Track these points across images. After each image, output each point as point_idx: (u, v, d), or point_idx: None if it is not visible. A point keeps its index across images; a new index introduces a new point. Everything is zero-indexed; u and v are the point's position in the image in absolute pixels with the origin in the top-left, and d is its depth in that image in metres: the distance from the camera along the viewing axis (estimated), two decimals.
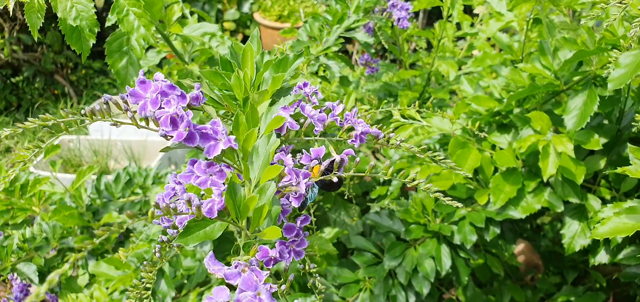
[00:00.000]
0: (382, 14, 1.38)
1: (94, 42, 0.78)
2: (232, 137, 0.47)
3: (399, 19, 1.33)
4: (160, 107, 0.47)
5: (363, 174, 0.54)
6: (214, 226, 0.45)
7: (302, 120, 0.61)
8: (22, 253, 1.08)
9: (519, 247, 1.47)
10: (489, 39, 1.38)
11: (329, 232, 1.17)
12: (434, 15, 3.33)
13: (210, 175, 0.48)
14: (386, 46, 1.38)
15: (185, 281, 0.99)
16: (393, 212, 1.10)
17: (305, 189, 0.49)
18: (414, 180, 0.57)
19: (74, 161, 2.55)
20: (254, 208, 0.43)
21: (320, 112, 0.58)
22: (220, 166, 0.49)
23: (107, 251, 1.17)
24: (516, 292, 1.28)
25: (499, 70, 1.20)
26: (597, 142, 0.91)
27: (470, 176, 1.00)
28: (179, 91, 0.49)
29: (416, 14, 3.00)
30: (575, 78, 0.92)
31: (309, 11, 3.15)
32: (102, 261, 1.01)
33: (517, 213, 1.01)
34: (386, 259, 1.04)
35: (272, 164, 0.49)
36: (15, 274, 1.11)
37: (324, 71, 1.28)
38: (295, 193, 0.49)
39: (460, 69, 1.45)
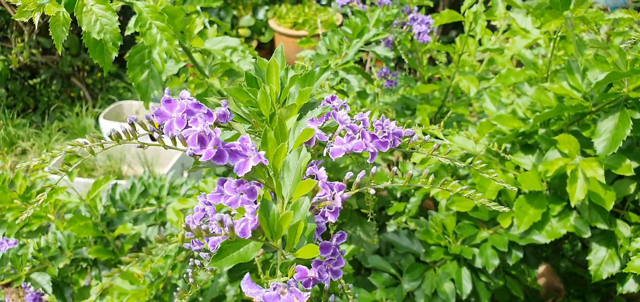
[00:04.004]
0: (402, 28, 1.36)
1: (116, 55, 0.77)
2: (262, 153, 0.46)
3: (419, 33, 1.30)
4: (187, 126, 0.46)
5: (382, 188, 0.52)
6: (247, 246, 0.43)
7: (329, 134, 0.59)
8: (37, 262, 1.07)
9: (540, 269, 1.43)
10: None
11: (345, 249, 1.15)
12: (449, 25, 3.30)
13: (241, 194, 0.47)
14: (405, 59, 1.36)
15: (200, 298, 0.97)
16: (412, 233, 1.07)
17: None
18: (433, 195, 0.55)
19: (88, 165, 2.56)
20: (289, 226, 0.42)
21: (352, 122, 0.56)
22: (250, 184, 0.47)
23: (120, 261, 1.16)
24: None
25: (521, 87, 1.17)
26: (629, 167, 0.87)
27: (494, 198, 0.97)
28: (205, 109, 0.48)
29: None
30: (606, 100, 0.89)
31: (323, 19, 3.14)
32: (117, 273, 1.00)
33: (541, 238, 0.98)
34: (405, 281, 1.01)
35: (304, 178, 0.47)
36: (28, 283, 1.11)
37: (340, 82, 1.26)
38: (331, 207, 0.47)
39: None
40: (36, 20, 0.67)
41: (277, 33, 3.29)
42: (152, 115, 0.47)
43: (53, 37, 0.71)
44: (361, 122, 0.54)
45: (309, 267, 0.45)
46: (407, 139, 0.54)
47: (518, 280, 1.15)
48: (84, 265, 1.17)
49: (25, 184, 1.20)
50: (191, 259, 0.54)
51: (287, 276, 0.43)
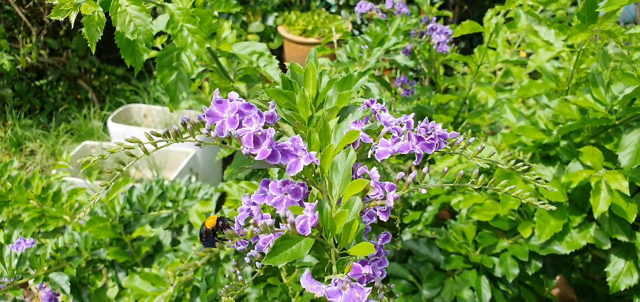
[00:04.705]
0: (420, 38, 1.37)
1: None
2: (313, 153, 0.47)
3: (438, 43, 1.31)
4: (240, 126, 0.46)
5: (430, 187, 0.53)
6: (300, 244, 0.43)
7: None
8: (54, 262, 1.07)
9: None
10: (524, 64, 1.36)
11: None
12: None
13: (285, 194, 0.47)
14: (425, 68, 1.36)
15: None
16: (431, 241, 1.07)
17: None
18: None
19: (95, 166, 2.55)
20: (344, 224, 0.42)
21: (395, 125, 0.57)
22: (295, 184, 0.48)
23: (136, 264, 1.16)
24: None
25: (540, 99, 1.17)
26: None
27: (516, 208, 0.97)
28: (256, 110, 0.48)
29: None
30: (630, 114, 0.90)
31: (330, 25, 3.16)
32: (137, 275, 0.99)
33: (562, 248, 0.98)
34: (424, 289, 1.01)
35: (355, 177, 0.48)
36: (44, 283, 1.10)
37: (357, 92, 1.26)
38: (383, 207, 0.48)
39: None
40: (73, 20, 0.68)
41: (286, 40, 3.30)
42: (204, 116, 0.47)
43: (87, 37, 0.71)
44: (405, 124, 0.54)
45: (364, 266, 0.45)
46: (452, 141, 0.54)
47: (532, 290, 1.15)
48: (100, 267, 1.16)
49: (41, 185, 1.20)
50: (232, 259, 0.54)
51: (342, 273, 0.43)
